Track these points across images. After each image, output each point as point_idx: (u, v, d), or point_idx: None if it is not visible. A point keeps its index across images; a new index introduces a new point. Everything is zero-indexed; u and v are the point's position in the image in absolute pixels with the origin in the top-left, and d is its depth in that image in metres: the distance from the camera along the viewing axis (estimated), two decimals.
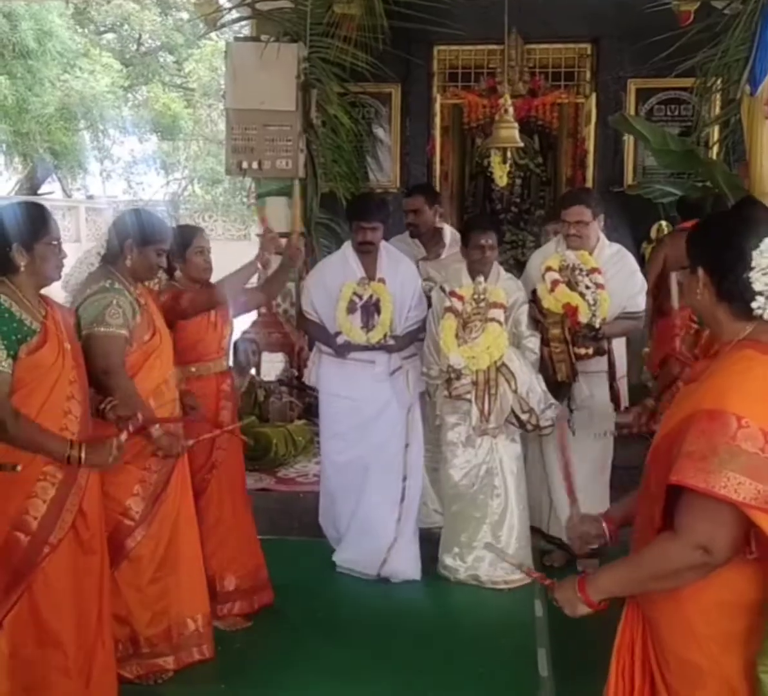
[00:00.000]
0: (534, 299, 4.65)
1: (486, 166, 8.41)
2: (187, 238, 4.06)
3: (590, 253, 4.58)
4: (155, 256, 3.62)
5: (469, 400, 4.56)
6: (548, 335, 4.58)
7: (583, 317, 4.45)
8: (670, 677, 2.07)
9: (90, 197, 24.38)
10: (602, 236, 4.69)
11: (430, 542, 4.85)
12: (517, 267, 7.51)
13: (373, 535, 4.70)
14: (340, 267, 4.82)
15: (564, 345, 4.55)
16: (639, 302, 4.53)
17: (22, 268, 3.01)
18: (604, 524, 2.37)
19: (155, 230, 3.63)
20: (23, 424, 2.95)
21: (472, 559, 4.66)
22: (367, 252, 4.78)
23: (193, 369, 4.08)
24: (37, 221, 3.07)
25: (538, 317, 4.63)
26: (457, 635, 4.15)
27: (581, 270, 4.51)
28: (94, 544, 3.21)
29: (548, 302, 4.53)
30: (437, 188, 7.97)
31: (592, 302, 4.44)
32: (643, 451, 2.23)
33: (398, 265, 4.87)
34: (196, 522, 3.81)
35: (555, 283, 4.51)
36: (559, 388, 4.62)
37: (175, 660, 3.69)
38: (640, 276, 4.73)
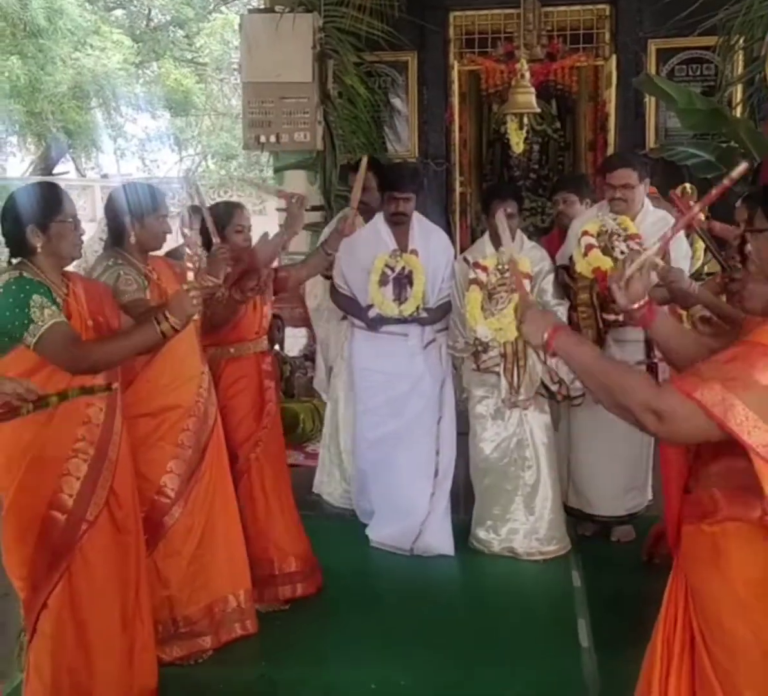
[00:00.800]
0: (569, 264, 4.57)
1: (503, 133, 8.33)
2: (227, 215, 4.02)
3: (632, 219, 4.46)
4: (159, 223, 3.55)
5: (498, 373, 4.51)
6: (577, 300, 4.52)
7: None
8: (713, 647, 2.04)
9: (104, 176, 24.30)
10: (647, 202, 4.55)
11: None
12: (537, 233, 7.46)
13: (406, 510, 4.67)
14: (372, 239, 4.71)
15: (591, 310, 4.48)
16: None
17: (39, 249, 2.99)
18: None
19: (147, 200, 3.53)
20: (99, 350, 2.98)
21: (505, 531, 4.63)
22: (399, 223, 4.69)
23: (232, 350, 4.04)
24: (49, 200, 3.04)
25: (568, 282, 4.56)
26: (495, 608, 4.14)
27: (619, 235, 4.40)
28: (129, 524, 3.20)
29: (580, 266, 4.44)
30: (456, 156, 7.90)
31: None
32: None
33: (430, 236, 4.79)
34: (234, 497, 3.80)
35: (589, 247, 4.40)
36: None
37: (215, 638, 3.68)
38: (685, 245, 4.56)
